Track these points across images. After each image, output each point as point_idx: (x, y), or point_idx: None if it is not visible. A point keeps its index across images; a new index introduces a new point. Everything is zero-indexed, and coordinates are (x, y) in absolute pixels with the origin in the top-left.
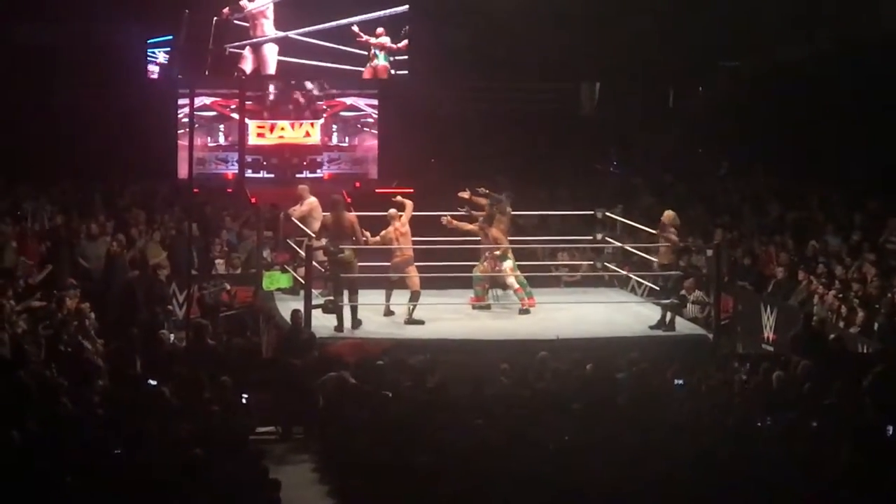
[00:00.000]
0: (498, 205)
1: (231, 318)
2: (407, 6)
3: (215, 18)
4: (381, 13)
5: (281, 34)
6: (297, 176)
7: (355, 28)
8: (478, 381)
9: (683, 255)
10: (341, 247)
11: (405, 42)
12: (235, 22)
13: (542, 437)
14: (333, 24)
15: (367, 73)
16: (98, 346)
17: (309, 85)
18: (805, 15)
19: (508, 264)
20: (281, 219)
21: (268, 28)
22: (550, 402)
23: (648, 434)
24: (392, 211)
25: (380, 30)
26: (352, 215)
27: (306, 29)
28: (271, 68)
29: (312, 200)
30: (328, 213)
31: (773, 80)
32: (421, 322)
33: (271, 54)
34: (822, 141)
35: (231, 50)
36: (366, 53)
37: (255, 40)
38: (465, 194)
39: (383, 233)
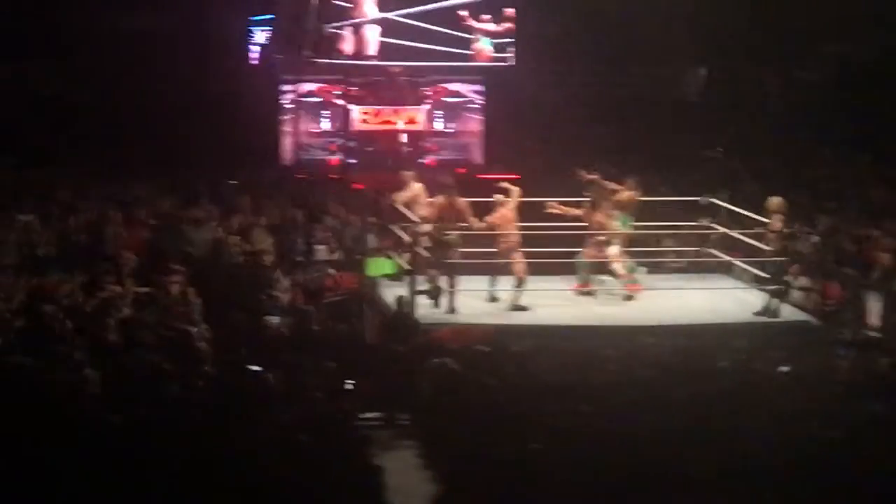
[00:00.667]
0: (602, 190)
1: (335, 304)
2: None
3: None
4: None
5: (381, 15)
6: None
7: (464, 12)
8: (582, 367)
9: (789, 241)
10: (448, 231)
11: (507, 25)
12: (335, 2)
13: (646, 425)
14: (437, 5)
15: (472, 53)
16: (203, 332)
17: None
18: None
19: (614, 249)
20: (386, 205)
21: (369, 8)
22: (655, 389)
23: (753, 422)
24: (498, 196)
25: (486, 16)
26: (463, 199)
27: (407, 10)
28: (372, 49)
29: (417, 186)
30: (440, 197)
31: (876, 65)
32: (525, 308)
33: (373, 35)
34: None
35: (330, 31)
36: (469, 37)
37: (355, 21)
38: (593, 177)
39: (489, 218)
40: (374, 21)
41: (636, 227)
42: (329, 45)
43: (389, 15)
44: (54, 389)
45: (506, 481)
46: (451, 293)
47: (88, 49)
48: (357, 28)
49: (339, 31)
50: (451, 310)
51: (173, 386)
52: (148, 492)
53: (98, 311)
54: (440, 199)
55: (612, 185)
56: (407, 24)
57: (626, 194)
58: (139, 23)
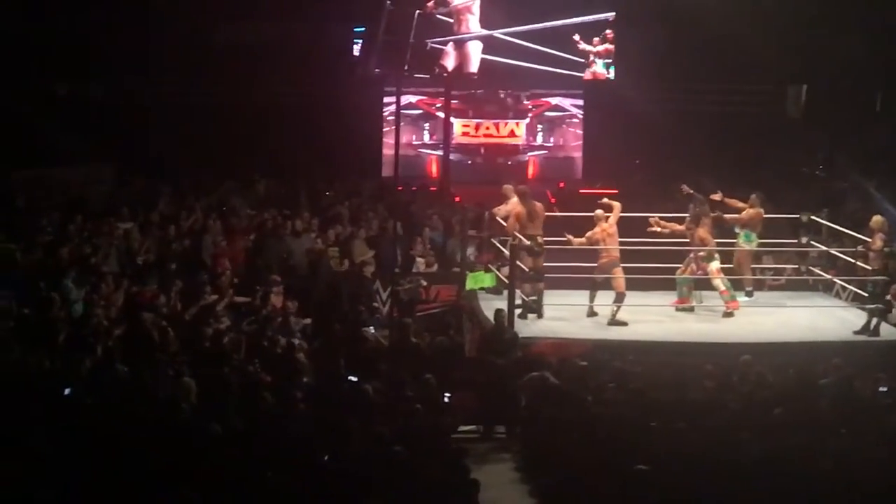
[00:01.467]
0: (703, 206)
1: (434, 316)
2: (613, 13)
3: (418, 12)
4: (589, 17)
5: (486, 32)
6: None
7: (576, 36)
8: (680, 384)
9: (890, 259)
10: (541, 240)
11: (608, 46)
12: (438, 17)
13: (745, 443)
14: (540, 26)
15: (586, 77)
16: (302, 343)
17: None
18: None
19: (715, 265)
20: (486, 218)
21: (472, 24)
22: (754, 406)
23: (852, 442)
24: (599, 212)
25: (596, 39)
26: (540, 205)
27: (512, 29)
28: (474, 66)
29: (516, 199)
30: (521, 206)
31: None
32: (624, 324)
33: (475, 52)
34: None
35: (432, 45)
36: (582, 60)
37: (458, 37)
38: (718, 196)
39: (590, 233)
40: (477, 37)
41: (734, 244)
42: (430, 60)
43: (495, 33)
44: (153, 398)
45: (600, 495)
46: (538, 302)
47: (192, 62)
48: (460, 45)
49: (440, 47)
50: (541, 315)
51: (271, 397)
52: (245, 499)
53: (196, 320)
54: (517, 207)
55: (737, 203)
56: (515, 44)
57: (751, 211)
58: (245, 36)
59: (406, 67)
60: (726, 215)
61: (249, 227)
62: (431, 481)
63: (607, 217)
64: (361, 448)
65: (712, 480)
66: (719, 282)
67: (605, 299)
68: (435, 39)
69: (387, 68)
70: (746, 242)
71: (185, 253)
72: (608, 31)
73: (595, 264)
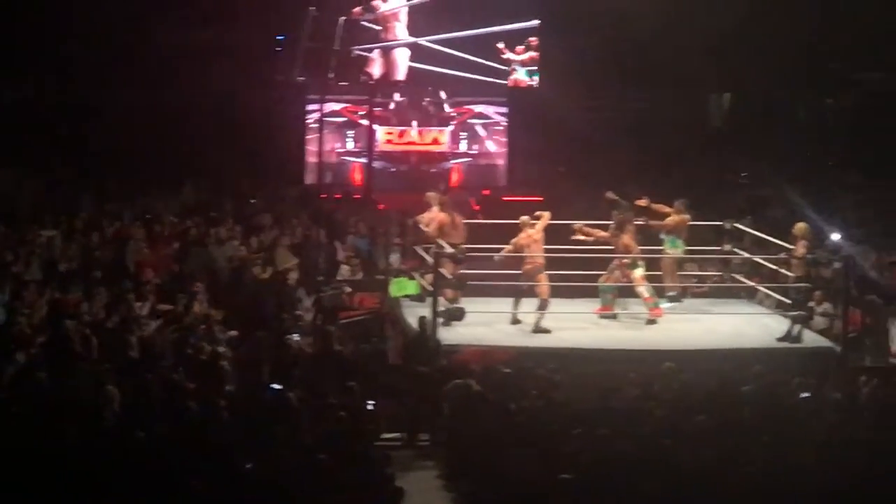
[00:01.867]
0: (627, 213)
1: (357, 324)
2: (538, 21)
3: (342, 18)
4: (513, 26)
5: (412, 40)
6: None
7: (500, 44)
8: (604, 391)
9: (813, 267)
10: (463, 247)
11: (533, 54)
12: (364, 23)
13: (668, 450)
14: (465, 33)
15: (509, 83)
16: (226, 351)
17: (442, 94)
18: None
19: (639, 272)
20: (409, 226)
21: (400, 31)
22: (677, 413)
23: (774, 448)
24: (524, 218)
25: (520, 47)
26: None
27: (438, 36)
28: (401, 73)
29: (447, 213)
30: (438, 213)
31: None
32: (547, 331)
33: (402, 59)
34: None
35: (358, 52)
36: (504, 67)
37: (383, 44)
38: (644, 202)
39: (515, 240)
40: (403, 44)
41: (657, 252)
42: (356, 67)
43: (421, 40)
44: (75, 406)
45: (523, 503)
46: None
47: (113, 65)
48: (387, 52)
49: (366, 54)
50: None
51: (195, 404)
52: None
53: (120, 328)
54: (439, 215)
55: (663, 208)
56: (441, 51)
57: (676, 217)
58: (166, 40)
59: (331, 75)
60: (652, 221)
61: (173, 234)
62: (355, 489)
63: (533, 224)
64: (285, 456)
65: (636, 488)
66: (643, 289)
67: (529, 307)
68: (360, 46)
69: (310, 76)
70: (672, 248)
71: (109, 260)
72: (532, 39)
73: (518, 272)
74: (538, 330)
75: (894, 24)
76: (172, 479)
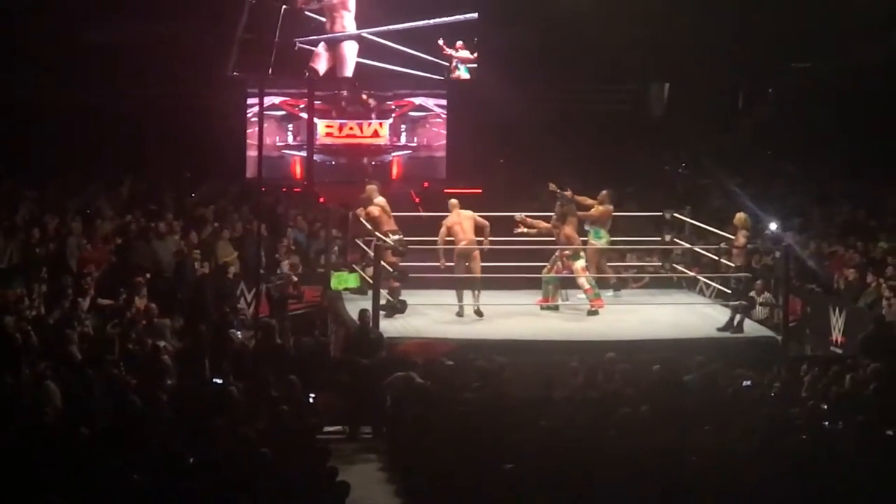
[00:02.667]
0: (569, 204)
1: (299, 317)
2: (476, 13)
3: (284, 7)
4: (452, 18)
5: (355, 32)
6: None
7: (440, 41)
8: (546, 382)
9: (754, 256)
10: (406, 239)
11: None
12: (308, 14)
13: (611, 439)
14: (404, 26)
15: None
16: (167, 345)
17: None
18: (880, 17)
19: (580, 264)
20: (350, 219)
21: (348, 23)
22: (619, 404)
23: (716, 437)
24: (453, 201)
25: (459, 42)
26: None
27: (379, 28)
28: (349, 69)
29: (381, 200)
30: (374, 207)
31: (845, 82)
32: (481, 314)
33: (350, 53)
34: (894, 143)
35: (301, 45)
36: (446, 64)
37: (325, 36)
38: (568, 193)
39: (447, 222)
40: (346, 37)
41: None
42: (298, 62)
43: (363, 32)
44: (15, 402)
45: (465, 494)
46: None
47: (52, 60)
48: (333, 45)
49: (310, 48)
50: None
51: (136, 399)
52: (112, 502)
53: (60, 323)
54: (375, 209)
55: (587, 200)
56: (382, 45)
57: (600, 207)
58: (104, 35)
59: (270, 71)
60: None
61: (114, 229)
62: (298, 481)
63: (455, 205)
64: (227, 449)
65: (579, 477)
66: (584, 280)
67: (470, 299)
68: (303, 39)
69: (246, 71)
70: (596, 240)
71: (50, 256)
72: (473, 39)
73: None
74: (478, 312)
75: (831, 12)
76: (115, 475)
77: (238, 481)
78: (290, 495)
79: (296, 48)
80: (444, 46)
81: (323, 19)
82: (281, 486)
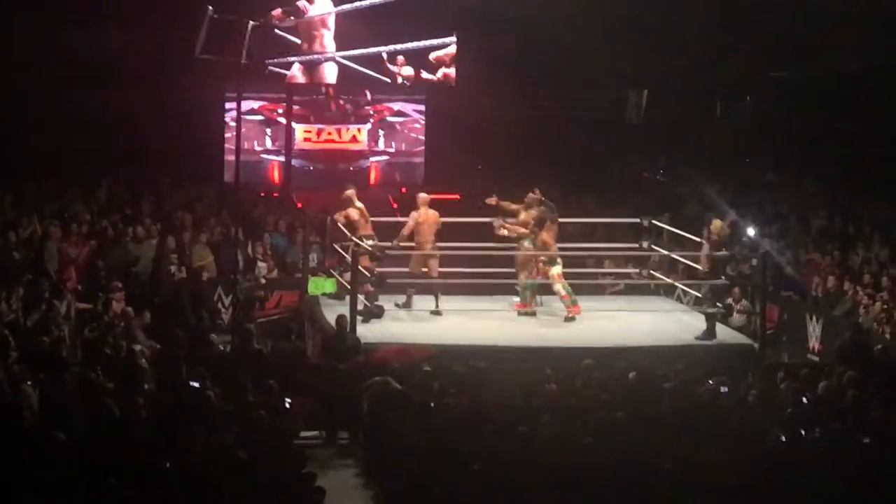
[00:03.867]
0: (549, 211)
1: (276, 322)
2: (455, 38)
3: (251, 24)
4: (431, 42)
5: (331, 54)
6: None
7: (384, 55)
8: (523, 388)
9: (730, 263)
10: (383, 245)
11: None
12: (278, 32)
13: (588, 446)
14: (385, 49)
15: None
16: (144, 350)
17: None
18: (857, 26)
19: (556, 270)
20: (328, 223)
21: (328, 41)
22: (596, 410)
23: (693, 444)
24: (423, 195)
25: (400, 58)
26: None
27: (356, 52)
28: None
29: (359, 205)
30: (354, 210)
31: (822, 91)
32: (439, 313)
33: (331, 76)
34: (871, 151)
35: (272, 69)
36: (388, 80)
37: (297, 58)
38: (493, 201)
39: (417, 218)
40: (320, 60)
41: (575, 249)
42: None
43: (337, 55)
44: None
45: (444, 500)
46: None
47: (28, 64)
48: (312, 67)
49: (283, 71)
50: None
51: (113, 403)
52: None
53: (37, 327)
54: (354, 212)
55: (512, 206)
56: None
57: (531, 213)
58: (80, 39)
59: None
60: (508, 219)
61: (91, 233)
62: (275, 487)
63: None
64: (204, 454)
65: (555, 483)
66: (560, 286)
67: (447, 304)
68: (276, 60)
69: (215, 54)
70: (530, 245)
71: (27, 260)
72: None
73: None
74: (435, 312)
75: (809, 20)
76: (91, 479)
77: (215, 486)
78: (267, 500)
79: (266, 72)
80: (387, 62)
81: (298, 40)
82: (257, 491)
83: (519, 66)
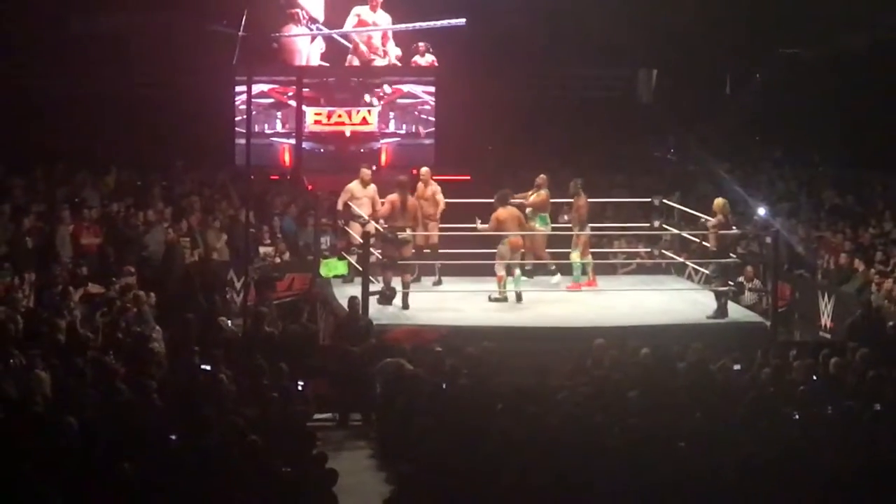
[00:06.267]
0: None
1: (288, 305)
2: (464, 20)
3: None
4: (440, 23)
5: (348, 31)
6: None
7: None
8: (536, 368)
9: (740, 241)
10: (398, 231)
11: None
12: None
13: (601, 425)
14: (395, 27)
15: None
16: (156, 334)
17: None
18: (866, 3)
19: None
20: (338, 206)
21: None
22: (608, 390)
23: (707, 421)
24: (424, 170)
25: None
26: (414, 200)
27: (369, 29)
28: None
29: (370, 187)
30: (392, 195)
31: (833, 68)
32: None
33: (315, 52)
34: (882, 129)
35: (282, 39)
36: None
37: (299, 35)
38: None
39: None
40: (317, 34)
41: (592, 229)
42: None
43: (354, 31)
44: (6, 392)
45: (456, 480)
46: (406, 293)
47: (39, 49)
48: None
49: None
50: (405, 306)
51: (125, 387)
52: (102, 491)
53: (50, 312)
54: (392, 197)
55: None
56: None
57: (542, 193)
58: (91, 24)
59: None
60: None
61: (102, 218)
62: (288, 469)
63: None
64: (217, 438)
65: (567, 463)
66: (500, 267)
67: (458, 285)
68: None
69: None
70: (543, 226)
71: (39, 245)
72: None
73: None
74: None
75: None
76: (104, 463)
77: (227, 469)
78: (279, 482)
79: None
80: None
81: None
82: (270, 473)
83: (529, 45)
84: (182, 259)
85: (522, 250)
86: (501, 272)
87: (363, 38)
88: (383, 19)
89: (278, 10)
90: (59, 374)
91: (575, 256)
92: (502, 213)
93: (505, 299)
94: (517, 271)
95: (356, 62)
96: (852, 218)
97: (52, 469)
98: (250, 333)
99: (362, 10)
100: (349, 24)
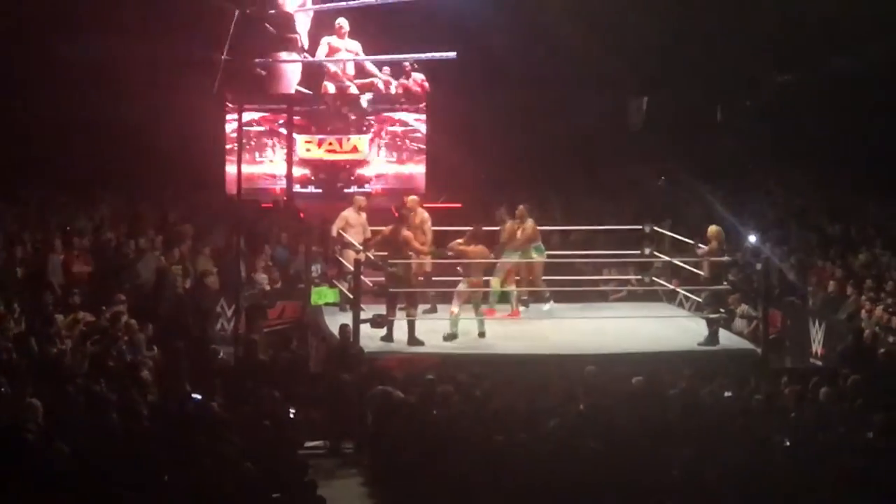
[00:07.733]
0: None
1: (279, 332)
2: (454, 53)
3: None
4: (430, 56)
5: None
6: (346, 191)
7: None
8: (526, 396)
9: (731, 269)
10: (391, 261)
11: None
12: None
13: (592, 452)
14: (383, 58)
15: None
16: (147, 361)
17: (364, 99)
18: (855, 29)
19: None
20: (329, 233)
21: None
22: (599, 417)
23: (699, 449)
24: (413, 198)
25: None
26: (407, 231)
27: (359, 58)
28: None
29: (361, 215)
30: (386, 228)
31: (823, 94)
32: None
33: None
34: (873, 154)
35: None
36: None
37: (290, 60)
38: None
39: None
40: (307, 62)
41: (577, 256)
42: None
43: (345, 60)
44: None
45: None
46: (410, 322)
47: (29, 76)
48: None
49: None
50: (413, 341)
51: (117, 415)
52: None
53: (42, 340)
54: (386, 229)
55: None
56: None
57: (530, 224)
58: (80, 52)
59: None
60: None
61: (94, 246)
62: (279, 497)
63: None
64: (208, 465)
65: (559, 491)
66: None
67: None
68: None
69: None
70: (539, 255)
71: (31, 274)
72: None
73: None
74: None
75: (808, 25)
76: (95, 491)
77: (218, 497)
78: None
79: (253, 70)
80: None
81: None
82: (262, 500)
83: (520, 72)
84: (174, 287)
85: (518, 277)
86: (455, 308)
87: (340, 67)
88: (353, 46)
89: (266, 36)
90: (50, 401)
91: (495, 283)
92: (473, 250)
93: (455, 336)
94: (481, 307)
95: (332, 89)
96: (843, 244)
97: (43, 496)
98: (242, 361)
99: (332, 39)
100: (321, 52)
